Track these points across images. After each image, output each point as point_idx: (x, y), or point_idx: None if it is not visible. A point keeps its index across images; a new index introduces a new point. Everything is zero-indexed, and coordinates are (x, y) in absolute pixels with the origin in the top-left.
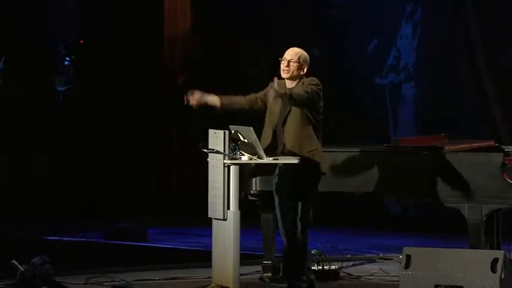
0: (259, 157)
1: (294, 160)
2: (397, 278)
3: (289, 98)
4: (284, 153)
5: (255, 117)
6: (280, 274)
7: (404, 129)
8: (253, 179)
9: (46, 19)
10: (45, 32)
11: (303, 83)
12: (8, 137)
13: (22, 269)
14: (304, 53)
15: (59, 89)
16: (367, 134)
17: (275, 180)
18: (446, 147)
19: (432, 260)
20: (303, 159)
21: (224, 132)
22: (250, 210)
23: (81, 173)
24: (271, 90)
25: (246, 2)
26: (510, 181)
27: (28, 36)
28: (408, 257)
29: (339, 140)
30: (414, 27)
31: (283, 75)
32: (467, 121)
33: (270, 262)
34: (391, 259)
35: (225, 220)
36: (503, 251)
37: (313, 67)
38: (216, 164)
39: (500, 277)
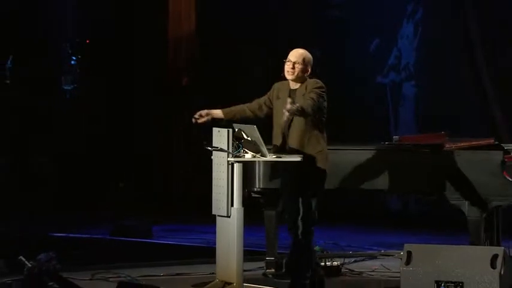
0: (263, 155)
1: (297, 158)
2: (398, 274)
3: (302, 113)
4: (289, 154)
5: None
6: (283, 270)
7: (405, 128)
8: (257, 176)
9: (52, 19)
10: (51, 32)
11: (306, 86)
12: (15, 136)
13: (29, 265)
14: (309, 54)
15: (65, 88)
16: (368, 133)
17: (281, 178)
18: (447, 145)
19: (433, 256)
20: (307, 160)
21: (228, 131)
22: (254, 207)
23: (86, 171)
24: (285, 113)
25: (246, 2)
26: (510, 179)
27: (35, 36)
28: (409, 253)
29: (340, 139)
30: (415, 27)
31: (288, 76)
32: (467, 121)
33: (273, 258)
34: (392, 255)
35: (229, 217)
36: (502, 248)
37: (314, 67)
38: (220, 161)
39: (500, 273)
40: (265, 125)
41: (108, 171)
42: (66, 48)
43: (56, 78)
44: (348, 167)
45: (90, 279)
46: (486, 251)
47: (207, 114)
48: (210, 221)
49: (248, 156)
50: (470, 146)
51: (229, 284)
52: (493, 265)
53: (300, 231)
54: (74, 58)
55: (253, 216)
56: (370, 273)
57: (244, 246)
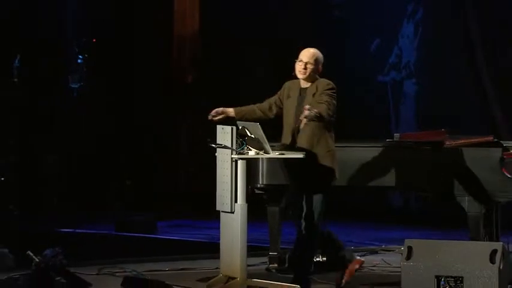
0: (266, 152)
1: (299, 155)
2: (398, 269)
3: (320, 119)
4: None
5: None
6: (286, 265)
7: (406, 126)
8: (260, 173)
9: (57, 19)
10: (57, 31)
11: (317, 85)
12: (24, 135)
13: (37, 260)
14: (320, 54)
15: (72, 86)
16: (369, 131)
17: (290, 176)
18: (447, 143)
19: (433, 251)
20: (316, 159)
21: (232, 128)
22: (258, 204)
23: (93, 168)
24: (303, 119)
25: (246, 2)
26: (509, 175)
27: (41, 35)
28: (410, 248)
29: (341, 137)
30: (415, 27)
31: (300, 76)
32: (467, 119)
33: (276, 253)
34: (393, 251)
35: (233, 213)
36: (501, 243)
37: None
38: (224, 158)
39: (499, 268)
40: (268, 121)
41: (115, 168)
42: (73, 47)
43: (63, 76)
44: (350, 164)
45: (97, 274)
46: (485, 246)
47: (222, 112)
48: (214, 217)
49: (252, 153)
50: (469, 143)
51: (233, 278)
52: (492, 260)
53: (303, 227)
54: (80, 57)
55: (257, 213)
56: (371, 268)
57: (247, 242)
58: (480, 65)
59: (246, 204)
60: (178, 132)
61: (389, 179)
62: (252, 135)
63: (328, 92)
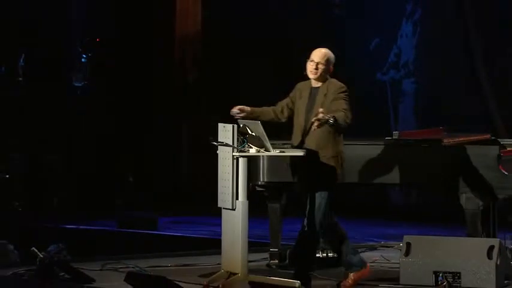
0: (267, 150)
1: (300, 153)
2: (397, 265)
3: (338, 128)
4: (305, 156)
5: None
6: (287, 261)
7: (404, 124)
8: (261, 170)
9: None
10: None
11: (328, 86)
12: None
13: (41, 256)
14: (331, 54)
15: (76, 85)
16: (368, 129)
17: (298, 175)
18: (445, 140)
19: (431, 247)
20: (322, 162)
21: (233, 126)
22: (258, 201)
23: (96, 166)
24: (315, 122)
25: (246, 2)
26: (506, 172)
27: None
28: (408, 244)
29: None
30: (414, 26)
31: (311, 76)
32: (465, 119)
33: (276, 250)
34: (392, 247)
35: (234, 210)
36: (498, 239)
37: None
38: (225, 156)
39: (496, 263)
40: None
41: (117, 166)
42: (77, 46)
43: (66, 76)
44: (350, 161)
45: (101, 270)
46: (483, 243)
47: (243, 110)
48: (216, 213)
49: (252, 151)
50: (467, 141)
51: (235, 274)
52: (489, 256)
53: (305, 223)
54: (84, 56)
55: (258, 209)
56: (370, 263)
57: (248, 238)
58: (479, 64)
59: (247, 201)
60: (181, 129)
61: (388, 176)
62: (253, 133)
63: (343, 95)
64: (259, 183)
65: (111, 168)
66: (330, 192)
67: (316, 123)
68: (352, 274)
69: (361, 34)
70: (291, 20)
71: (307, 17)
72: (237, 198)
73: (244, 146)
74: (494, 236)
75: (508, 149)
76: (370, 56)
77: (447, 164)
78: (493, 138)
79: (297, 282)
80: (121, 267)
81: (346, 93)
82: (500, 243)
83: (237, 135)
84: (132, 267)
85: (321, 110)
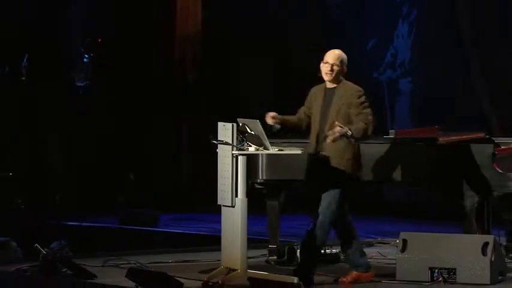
0: (265, 148)
1: (298, 151)
2: (394, 261)
3: (357, 138)
4: (320, 159)
5: None
6: (285, 257)
7: (401, 122)
8: (260, 168)
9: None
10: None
11: (345, 90)
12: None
13: (44, 252)
14: (344, 55)
15: (78, 84)
16: None
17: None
18: (440, 139)
19: (427, 244)
20: (337, 166)
21: (232, 125)
22: (257, 198)
23: (97, 164)
24: (330, 136)
25: (246, 2)
26: (500, 170)
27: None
28: (404, 241)
29: None
30: (410, 27)
31: (326, 78)
32: (460, 117)
33: (275, 246)
34: (388, 243)
35: (233, 207)
36: (493, 236)
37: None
38: (225, 154)
39: (491, 259)
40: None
41: (118, 166)
42: (78, 46)
43: (67, 75)
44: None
45: (102, 266)
46: (477, 239)
47: (276, 118)
48: (216, 211)
49: (252, 149)
50: (462, 140)
51: (234, 270)
52: (484, 252)
53: (315, 223)
54: (86, 56)
55: (257, 207)
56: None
57: (248, 235)
58: (474, 64)
59: (246, 199)
60: (181, 128)
61: (385, 174)
62: (252, 132)
63: (365, 104)
64: (258, 181)
65: (111, 168)
66: (343, 192)
67: (330, 138)
68: (354, 272)
69: (358, 35)
70: (291, 20)
71: (307, 17)
72: (236, 196)
73: (243, 145)
74: (488, 233)
75: (502, 147)
76: (367, 56)
77: (442, 162)
78: (487, 136)
79: (295, 279)
80: (122, 264)
81: (365, 98)
82: (495, 240)
83: (237, 134)
84: (134, 263)
85: (337, 123)
